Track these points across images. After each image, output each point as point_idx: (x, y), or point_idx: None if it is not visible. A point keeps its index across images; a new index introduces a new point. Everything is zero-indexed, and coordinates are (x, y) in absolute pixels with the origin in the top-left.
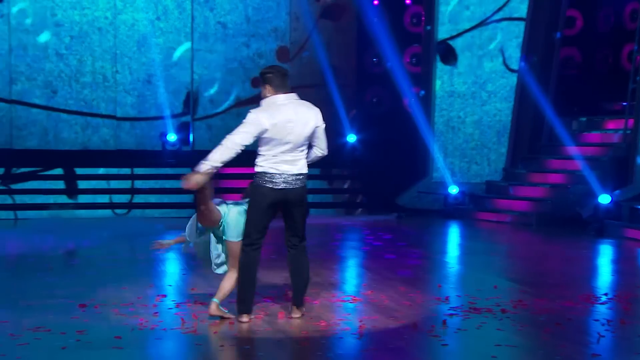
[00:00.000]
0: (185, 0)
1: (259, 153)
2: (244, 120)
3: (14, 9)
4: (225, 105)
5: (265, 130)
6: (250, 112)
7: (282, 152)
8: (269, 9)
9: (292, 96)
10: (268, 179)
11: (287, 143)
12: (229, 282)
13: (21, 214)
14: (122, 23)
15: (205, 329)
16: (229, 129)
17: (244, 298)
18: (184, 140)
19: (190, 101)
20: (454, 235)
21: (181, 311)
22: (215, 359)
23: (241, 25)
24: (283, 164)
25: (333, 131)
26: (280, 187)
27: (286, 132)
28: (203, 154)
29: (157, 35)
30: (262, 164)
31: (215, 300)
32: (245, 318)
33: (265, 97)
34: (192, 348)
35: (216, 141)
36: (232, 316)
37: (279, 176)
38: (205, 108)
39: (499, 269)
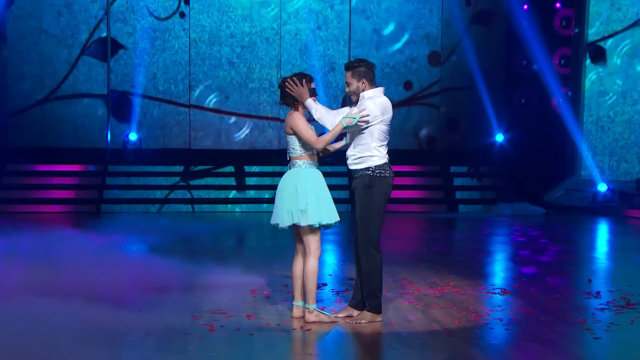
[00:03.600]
0: (344, 10)
1: (376, 145)
2: (364, 108)
3: (194, 23)
4: None
5: (381, 121)
6: (366, 102)
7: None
8: (422, 16)
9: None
10: (389, 169)
11: (388, 136)
12: (312, 278)
13: (198, 207)
14: (287, 33)
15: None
16: None
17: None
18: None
19: (347, 104)
20: (603, 232)
21: (340, 298)
22: (376, 345)
23: (395, 32)
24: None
25: (482, 130)
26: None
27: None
28: None
29: (317, 44)
30: (382, 155)
31: (312, 306)
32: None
33: (364, 90)
34: (353, 334)
35: None
36: (332, 317)
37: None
38: None
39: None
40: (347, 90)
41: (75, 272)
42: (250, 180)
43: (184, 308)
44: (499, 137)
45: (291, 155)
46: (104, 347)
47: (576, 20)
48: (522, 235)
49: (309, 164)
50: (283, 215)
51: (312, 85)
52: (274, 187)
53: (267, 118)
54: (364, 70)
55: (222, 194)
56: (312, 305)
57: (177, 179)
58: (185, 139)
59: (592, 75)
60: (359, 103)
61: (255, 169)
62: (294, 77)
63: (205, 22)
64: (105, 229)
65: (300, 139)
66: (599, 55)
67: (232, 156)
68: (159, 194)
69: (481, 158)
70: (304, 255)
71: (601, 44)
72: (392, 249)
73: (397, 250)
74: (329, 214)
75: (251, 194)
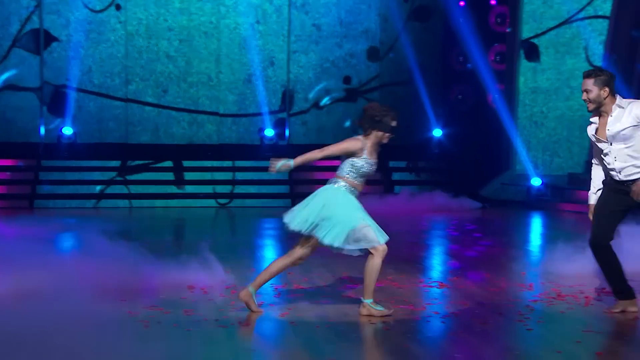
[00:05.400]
0: (283, 4)
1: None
2: None
3: (130, 16)
4: (319, 102)
5: None
6: None
7: None
8: (360, 12)
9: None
10: None
11: None
12: (374, 274)
13: (135, 202)
14: (226, 27)
15: (301, 311)
16: (322, 125)
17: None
18: (280, 135)
19: (287, 99)
20: (536, 225)
21: (279, 293)
22: (311, 339)
23: (334, 27)
24: None
25: (420, 126)
26: None
27: None
28: (298, 148)
29: (256, 38)
30: None
31: (366, 301)
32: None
33: (605, 98)
34: (288, 328)
35: (310, 136)
36: (385, 311)
37: None
38: (300, 105)
39: (582, 258)
40: (584, 97)
41: (5, 271)
42: (189, 176)
43: (120, 304)
44: (437, 133)
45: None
46: (36, 345)
47: (510, 17)
48: (459, 229)
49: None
50: (334, 228)
51: (393, 124)
52: (212, 182)
53: (206, 113)
54: (607, 79)
55: (160, 189)
56: (367, 300)
57: (114, 173)
58: (122, 134)
59: (526, 71)
60: (622, 117)
61: (193, 163)
62: (379, 108)
63: (142, 15)
64: (38, 225)
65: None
66: (532, 52)
67: (171, 151)
68: (94, 189)
69: (419, 153)
70: (296, 259)
71: (535, 40)
72: None
73: None
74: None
75: (190, 189)
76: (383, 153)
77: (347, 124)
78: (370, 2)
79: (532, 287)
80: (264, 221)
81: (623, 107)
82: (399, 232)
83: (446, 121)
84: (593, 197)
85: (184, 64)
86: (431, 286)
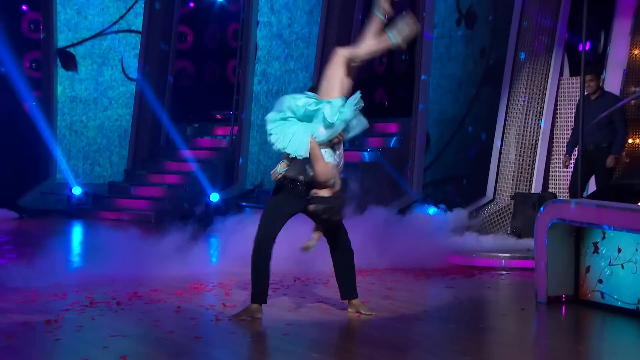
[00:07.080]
0: None
1: None
2: None
3: None
4: None
5: None
6: None
7: None
8: None
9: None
10: None
11: None
12: None
13: None
14: None
15: None
16: None
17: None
18: None
19: None
20: (75, 234)
21: None
22: None
23: None
24: None
25: None
26: None
27: None
28: None
29: None
30: None
31: None
32: None
33: None
34: None
35: None
36: None
37: None
38: None
39: (116, 264)
40: None
41: None
42: None
43: None
44: None
45: None
46: None
47: (44, 24)
48: None
49: None
50: None
51: None
52: None
53: None
54: None
55: None
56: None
57: None
58: None
59: (63, 80)
60: None
61: None
62: None
63: None
64: None
65: None
66: (69, 61)
67: None
68: None
69: None
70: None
71: (71, 50)
72: None
73: None
74: None
75: None
76: None
77: None
78: None
79: (65, 296)
80: None
81: None
82: None
83: None
84: None
85: None
86: None
